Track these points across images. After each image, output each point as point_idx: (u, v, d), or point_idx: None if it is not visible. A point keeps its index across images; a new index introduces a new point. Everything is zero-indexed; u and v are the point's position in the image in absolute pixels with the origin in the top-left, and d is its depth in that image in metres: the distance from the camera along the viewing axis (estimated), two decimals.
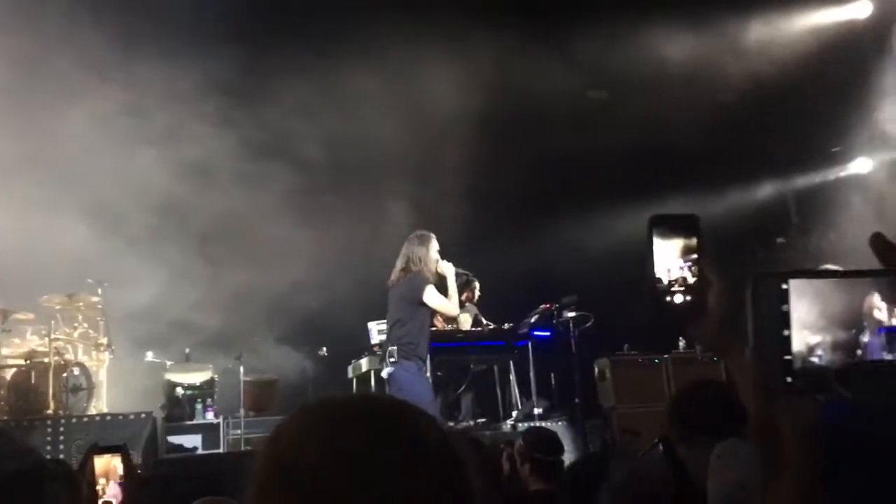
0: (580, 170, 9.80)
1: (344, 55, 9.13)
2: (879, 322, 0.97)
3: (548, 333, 8.56)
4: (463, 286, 7.70)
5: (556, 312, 8.46)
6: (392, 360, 6.15)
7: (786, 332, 0.92)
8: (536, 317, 8.49)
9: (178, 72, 8.64)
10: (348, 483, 0.87)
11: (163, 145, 8.87)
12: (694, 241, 1.03)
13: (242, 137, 9.08)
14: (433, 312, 6.60)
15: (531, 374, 8.34)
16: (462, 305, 7.78)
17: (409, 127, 9.38)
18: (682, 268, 1.02)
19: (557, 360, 8.62)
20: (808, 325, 0.93)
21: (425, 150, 9.39)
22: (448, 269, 6.35)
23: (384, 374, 6.32)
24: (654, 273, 1.03)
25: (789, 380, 0.91)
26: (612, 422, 8.65)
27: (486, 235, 9.48)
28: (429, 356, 7.25)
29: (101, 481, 2.26)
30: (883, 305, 0.97)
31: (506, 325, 8.39)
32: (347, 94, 9.22)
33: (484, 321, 8.53)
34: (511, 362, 8.42)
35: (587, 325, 8.41)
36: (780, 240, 10.55)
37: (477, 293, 8.61)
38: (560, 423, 7.94)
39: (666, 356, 8.93)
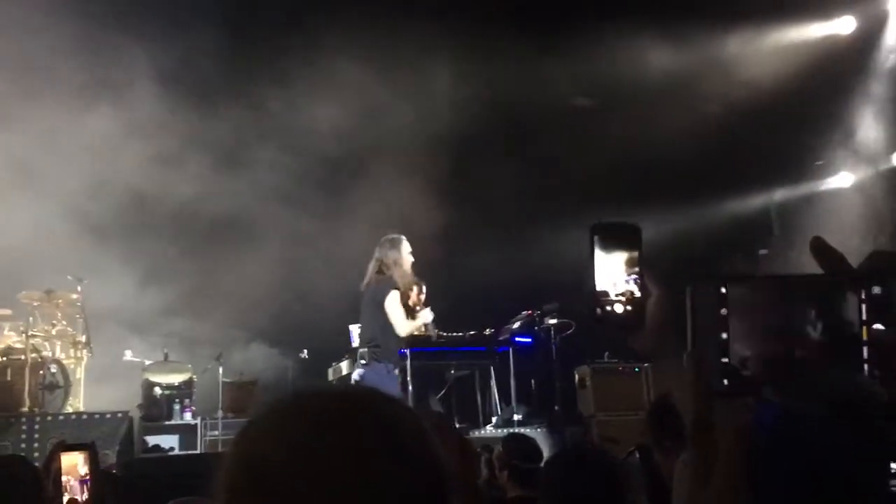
0: (565, 177, 9.82)
1: (330, 53, 9.10)
2: (808, 335, 0.98)
3: (529, 340, 8.57)
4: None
5: (537, 319, 8.47)
6: (363, 362, 6.26)
7: (723, 336, 0.91)
8: (518, 323, 8.50)
9: (155, 63, 8.60)
10: (318, 479, 0.84)
11: (144, 142, 8.81)
12: (636, 253, 1.03)
13: (224, 137, 9.04)
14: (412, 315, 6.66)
15: (511, 380, 8.34)
16: (413, 311, 7.91)
17: (395, 129, 9.38)
18: (627, 281, 1.02)
19: (538, 366, 8.63)
20: (741, 337, 0.92)
21: (410, 153, 9.39)
22: (427, 317, 6.70)
23: (355, 375, 6.41)
24: (594, 285, 1.03)
25: (726, 382, 0.91)
26: (591, 429, 8.66)
27: (469, 240, 9.48)
28: (409, 360, 7.27)
29: (66, 479, 2.24)
30: (813, 318, 0.97)
31: (487, 331, 8.39)
32: (331, 91, 9.18)
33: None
34: (492, 368, 8.41)
35: (568, 332, 8.43)
36: (762, 251, 10.61)
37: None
38: (539, 429, 7.94)
39: (646, 365, 8.95)
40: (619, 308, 1.02)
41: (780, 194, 11.42)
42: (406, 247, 6.41)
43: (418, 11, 9.14)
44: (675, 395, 1.00)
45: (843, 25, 10.54)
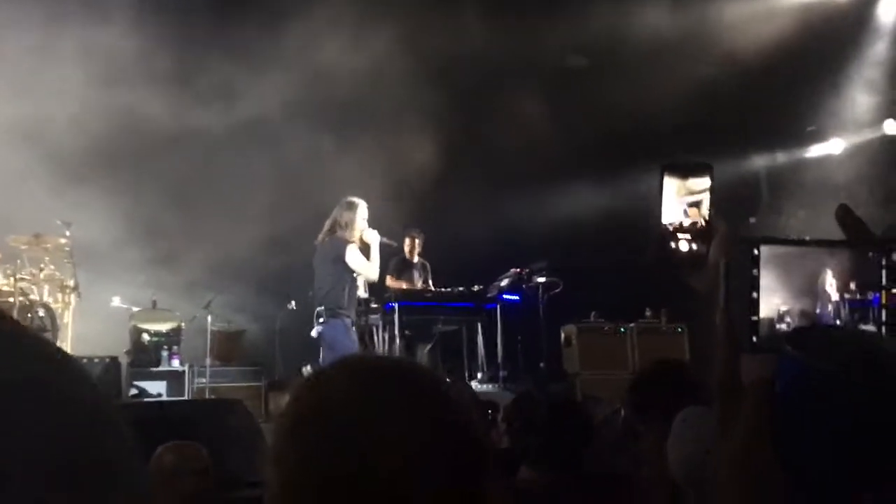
0: (555, 137, 9.79)
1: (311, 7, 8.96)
2: (829, 295, 1.02)
3: (517, 298, 8.63)
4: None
5: (526, 277, 8.52)
6: (321, 319, 6.40)
7: (754, 295, 0.95)
8: (507, 280, 8.55)
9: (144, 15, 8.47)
10: (380, 430, 0.95)
11: (133, 90, 8.70)
12: (705, 186, 1.04)
13: (214, 87, 8.92)
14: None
15: (498, 337, 8.41)
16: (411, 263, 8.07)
17: (382, 85, 9.29)
18: (684, 211, 1.03)
19: (525, 324, 8.71)
20: (777, 293, 0.96)
21: (398, 111, 9.32)
22: (373, 237, 6.62)
23: (314, 333, 6.55)
24: (660, 219, 1.03)
25: (755, 340, 0.95)
26: (575, 387, 8.77)
27: (459, 197, 9.47)
28: (398, 314, 7.35)
29: None
30: (834, 281, 1.01)
31: (475, 288, 8.43)
32: (325, 35, 9.05)
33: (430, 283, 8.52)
34: (479, 324, 8.48)
35: (556, 290, 8.49)
36: (752, 220, 10.66)
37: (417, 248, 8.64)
38: (524, 386, 8.04)
39: (631, 325, 9.04)
40: (683, 246, 1.02)
41: (769, 160, 11.43)
42: (362, 212, 6.60)
43: None
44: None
45: None
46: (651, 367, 2.85)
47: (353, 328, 6.66)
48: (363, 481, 0.93)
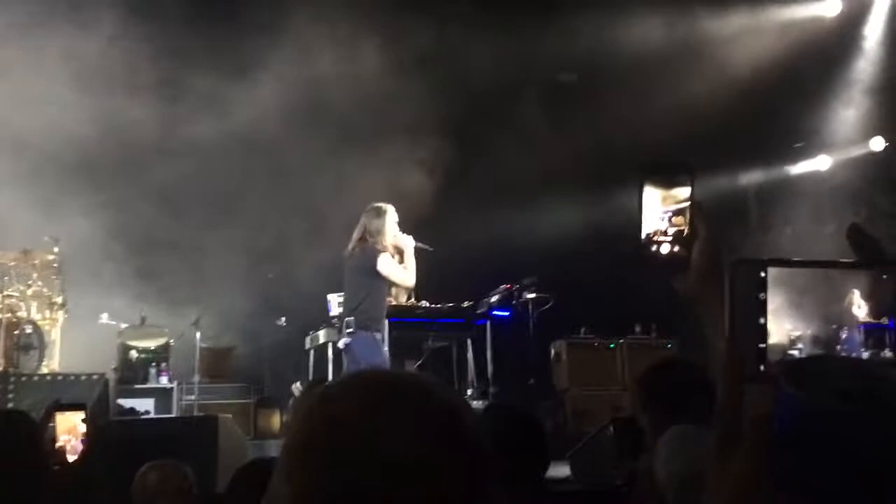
0: (545, 153, 9.83)
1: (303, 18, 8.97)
2: (857, 318, 0.97)
3: (507, 313, 8.63)
4: None
5: (516, 293, 8.52)
6: (349, 330, 6.17)
7: (761, 321, 0.91)
8: (497, 296, 8.55)
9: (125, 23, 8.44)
10: (393, 449, 0.94)
11: (122, 101, 8.68)
12: (686, 190, 1.02)
13: (205, 98, 8.89)
14: (390, 284, 6.62)
15: (488, 353, 8.40)
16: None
17: (373, 100, 9.31)
18: (662, 218, 1.01)
19: (515, 340, 8.70)
20: (789, 317, 0.93)
21: (389, 127, 9.34)
22: (407, 242, 6.37)
23: (340, 344, 6.34)
24: (641, 222, 1.01)
25: (762, 368, 0.91)
26: (565, 403, 8.77)
27: (449, 213, 9.48)
28: (387, 330, 7.29)
29: (66, 438, 2.25)
30: (862, 303, 0.97)
31: (465, 304, 8.43)
32: (305, 56, 9.06)
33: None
34: (469, 340, 8.46)
35: (546, 306, 8.49)
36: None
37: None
38: (514, 402, 8.02)
39: (621, 341, 9.05)
40: (664, 248, 1.00)
41: (758, 176, 11.50)
42: (392, 216, 6.34)
43: None
44: (712, 350, 0.99)
45: (829, 8, 10.57)
46: (665, 361, 2.77)
47: (383, 343, 6.38)
48: (375, 499, 0.93)
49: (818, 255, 1.01)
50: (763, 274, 0.92)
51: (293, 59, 8.95)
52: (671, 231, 1.00)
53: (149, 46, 8.74)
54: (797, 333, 0.95)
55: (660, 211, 1.01)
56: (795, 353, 0.95)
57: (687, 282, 1.01)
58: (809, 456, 0.86)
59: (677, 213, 1.01)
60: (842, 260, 0.94)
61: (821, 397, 0.85)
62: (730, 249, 1.00)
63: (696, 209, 1.01)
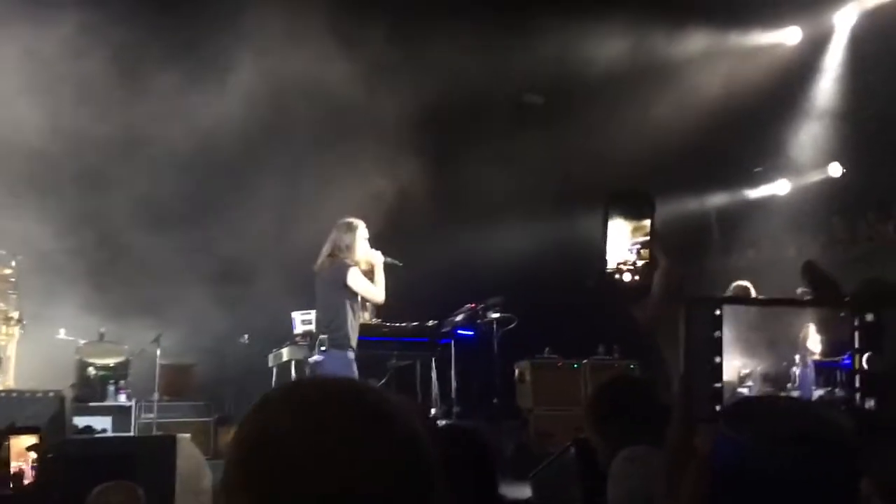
0: (509, 174, 9.88)
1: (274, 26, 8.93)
2: (811, 354, 0.96)
3: (471, 333, 8.63)
4: None
5: (480, 313, 8.53)
6: (322, 348, 6.11)
7: (717, 360, 0.90)
8: (461, 316, 8.54)
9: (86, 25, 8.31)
10: (318, 449, 0.95)
11: (77, 109, 8.54)
12: (647, 222, 1.03)
13: (161, 108, 8.77)
14: (362, 303, 6.58)
15: (452, 373, 8.38)
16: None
17: (337, 115, 9.29)
18: (630, 250, 1.02)
19: (479, 359, 8.69)
20: (739, 354, 0.92)
21: (354, 141, 9.33)
22: (376, 257, 6.34)
23: (311, 360, 6.28)
24: (605, 251, 1.02)
25: (718, 408, 0.89)
26: (529, 423, 8.77)
27: (413, 232, 9.48)
28: None
29: (17, 465, 2.19)
30: (817, 338, 0.96)
31: (430, 322, 8.41)
32: (274, 68, 9.01)
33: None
34: (433, 360, 8.44)
35: (510, 326, 8.51)
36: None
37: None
38: (478, 422, 8.01)
39: (585, 361, 9.09)
40: (626, 277, 1.01)
41: (720, 199, 11.67)
42: (362, 232, 6.31)
43: None
44: (671, 376, 0.98)
45: (789, 35, 10.80)
46: (615, 380, 2.75)
47: (355, 362, 6.28)
48: None
49: (779, 278, 1.03)
50: (718, 312, 0.91)
51: (259, 71, 8.90)
52: (635, 262, 1.01)
53: (108, 51, 8.57)
54: (747, 371, 0.93)
55: (627, 242, 1.03)
56: (745, 390, 0.94)
57: (646, 310, 1.02)
58: (748, 498, 0.85)
59: (645, 244, 1.02)
60: (798, 298, 0.94)
61: (758, 440, 0.85)
62: (688, 279, 1.01)
63: (655, 239, 1.02)
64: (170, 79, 8.66)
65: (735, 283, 6.66)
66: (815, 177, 10.78)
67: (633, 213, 1.04)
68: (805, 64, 10.61)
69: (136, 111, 8.55)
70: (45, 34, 8.08)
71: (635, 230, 1.03)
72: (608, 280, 1.02)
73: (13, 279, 7.79)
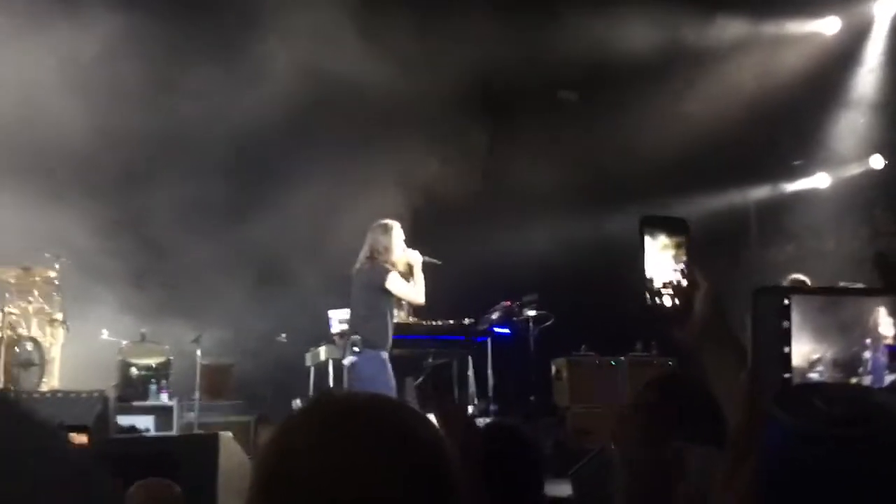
0: (546, 170, 9.84)
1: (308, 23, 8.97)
2: (883, 338, 0.94)
3: (507, 331, 8.61)
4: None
5: (516, 310, 8.51)
6: (356, 349, 6.12)
7: (785, 350, 0.88)
8: (497, 313, 8.53)
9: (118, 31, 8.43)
10: (335, 469, 0.96)
11: (120, 113, 8.67)
12: (681, 242, 1.03)
13: (203, 109, 8.87)
14: (397, 301, 6.60)
15: (489, 371, 8.38)
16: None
17: (372, 116, 9.33)
18: (675, 270, 1.02)
19: (516, 357, 8.68)
20: (809, 339, 0.90)
21: (390, 142, 9.36)
22: (415, 257, 6.35)
23: (346, 362, 6.29)
24: (645, 273, 1.02)
25: (786, 399, 0.87)
26: (566, 421, 8.74)
27: (449, 229, 9.49)
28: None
29: None
30: (889, 321, 0.94)
31: (466, 321, 8.42)
32: (311, 60, 9.03)
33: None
34: (469, 358, 8.45)
35: (547, 323, 8.48)
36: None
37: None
38: (515, 419, 7.99)
39: (622, 358, 9.03)
40: (667, 301, 1.01)
41: (758, 193, 11.50)
42: (398, 233, 6.33)
43: None
44: (718, 394, 1.00)
45: (829, 25, 10.61)
46: (665, 380, 2.66)
47: (389, 362, 6.31)
48: None
49: (820, 272, 1.02)
50: (786, 302, 0.89)
51: (297, 69, 8.93)
52: (677, 283, 1.02)
53: (147, 52, 8.69)
54: (817, 356, 0.91)
55: (668, 263, 1.03)
56: (815, 376, 0.92)
57: (689, 332, 1.02)
58: (798, 481, 0.84)
59: (685, 266, 1.03)
60: (864, 287, 0.93)
61: (811, 424, 0.83)
62: (726, 277, 1.01)
63: (694, 261, 1.03)
64: (209, 79, 8.76)
65: (791, 276, 6.52)
66: (856, 169, 10.58)
67: (667, 235, 1.04)
68: (844, 54, 10.41)
69: (176, 112, 8.65)
70: (84, 36, 8.22)
71: (673, 249, 1.03)
72: (649, 306, 1.02)
73: (57, 282, 7.95)
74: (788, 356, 0.89)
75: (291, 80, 8.93)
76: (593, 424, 8.37)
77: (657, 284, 1.02)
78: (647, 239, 1.03)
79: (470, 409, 8.40)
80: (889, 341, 0.91)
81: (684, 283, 1.02)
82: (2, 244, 7.81)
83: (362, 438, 0.98)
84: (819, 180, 11.07)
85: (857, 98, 10.40)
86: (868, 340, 0.91)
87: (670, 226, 1.05)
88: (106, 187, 8.82)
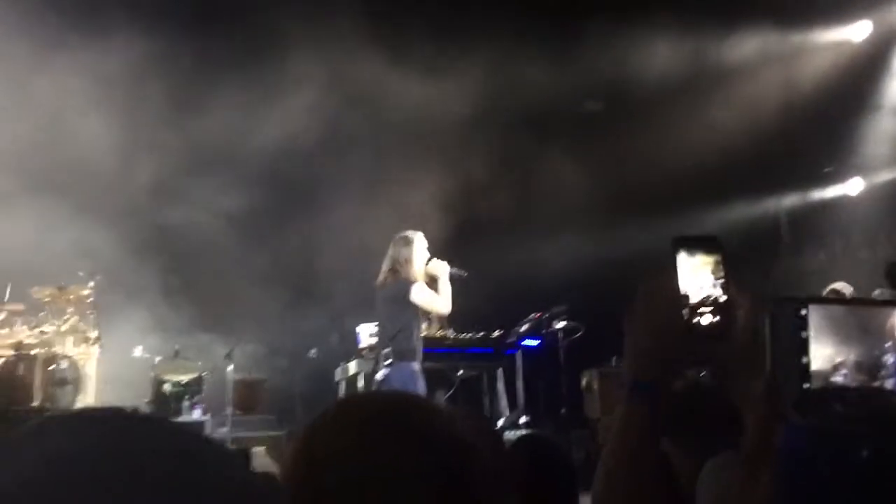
0: (574, 181, 9.83)
1: (318, 43, 9.05)
2: None
3: (537, 343, 8.57)
4: None
5: (546, 322, 8.48)
6: (387, 362, 6.12)
7: (804, 360, 0.89)
8: (526, 325, 8.50)
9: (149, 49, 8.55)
10: (362, 474, 0.96)
11: (148, 130, 8.79)
12: (718, 258, 1.01)
13: (231, 124, 8.96)
14: (424, 314, 6.59)
15: (519, 383, 8.34)
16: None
17: (400, 129, 9.38)
18: (714, 286, 1.00)
19: (546, 369, 8.64)
20: (832, 343, 0.90)
21: (418, 155, 9.40)
22: (441, 268, 6.33)
23: (379, 376, 6.27)
24: (679, 293, 1.00)
25: (806, 410, 0.88)
26: (597, 433, 8.67)
27: (478, 240, 9.50)
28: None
29: None
30: None
31: (495, 333, 8.40)
32: (334, 79, 9.11)
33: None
34: (499, 370, 8.42)
35: (577, 335, 8.43)
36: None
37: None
38: (547, 433, 7.95)
39: None
40: (706, 320, 0.99)
41: (789, 200, 11.39)
42: (420, 244, 6.30)
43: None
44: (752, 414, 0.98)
45: (859, 31, 10.51)
46: (689, 386, 2.67)
47: (421, 373, 6.26)
48: None
49: (852, 280, 1.01)
50: (804, 312, 0.90)
51: (325, 85, 9.03)
52: (716, 299, 0.99)
53: (179, 68, 8.81)
54: (840, 359, 0.91)
55: (706, 281, 1.00)
56: (839, 379, 0.92)
57: (728, 351, 1.00)
58: (816, 479, 0.84)
59: (725, 282, 1.00)
60: (881, 298, 0.92)
61: (827, 424, 0.83)
62: (758, 285, 0.99)
63: (732, 280, 1.00)
64: (239, 95, 8.88)
65: (831, 286, 6.41)
66: (888, 175, 10.45)
67: (702, 252, 1.02)
68: (876, 59, 10.30)
69: (207, 128, 8.76)
70: (114, 53, 8.37)
71: (711, 265, 1.01)
72: (686, 326, 0.99)
73: (91, 300, 8.06)
74: (807, 367, 0.89)
75: (325, 96, 9.01)
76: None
77: (698, 297, 1.00)
78: (681, 257, 1.01)
79: (500, 422, 8.38)
80: None
81: (723, 298, 0.99)
82: (37, 264, 7.95)
83: (387, 444, 0.97)
84: (851, 187, 10.94)
85: (889, 103, 10.28)
86: (889, 344, 0.91)
87: (705, 244, 1.03)
88: (139, 204, 8.94)
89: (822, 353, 0.89)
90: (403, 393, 1.16)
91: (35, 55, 8.23)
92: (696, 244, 1.03)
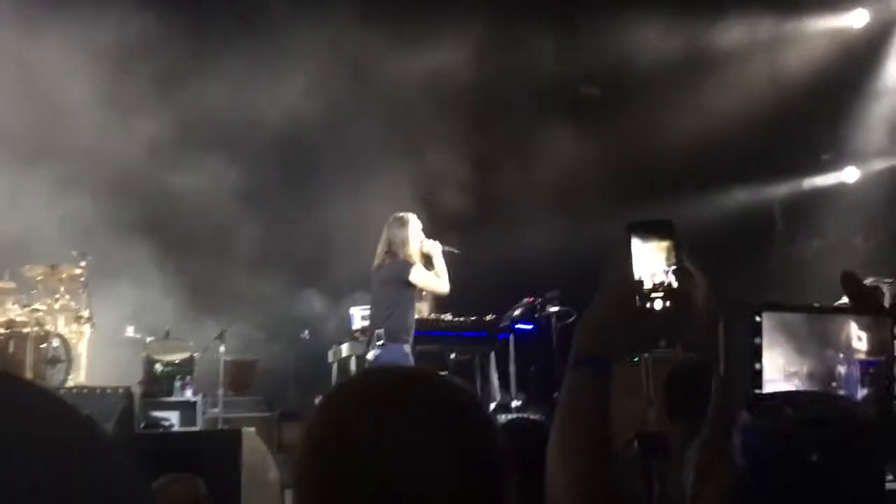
0: (566, 166, 9.80)
1: (308, 25, 8.99)
2: (856, 353, 0.94)
3: (530, 327, 8.58)
4: None
5: (538, 306, 8.48)
6: (380, 342, 6.12)
7: (757, 366, 0.88)
8: (519, 310, 8.50)
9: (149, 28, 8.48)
10: (395, 449, 0.96)
11: (141, 110, 8.73)
12: (670, 244, 1.02)
13: (223, 106, 8.90)
14: (419, 295, 6.60)
15: (511, 367, 8.35)
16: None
17: (396, 111, 9.33)
18: (666, 272, 1.01)
19: (538, 353, 8.65)
20: (786, 352, 0.90)
21: (412, 140, 9.36)
22: (434, 248, 6.33)
23: (370, 356, 6.29)
24: (632, 278, 1.03)
25: (756, 413, 0.90)
26: None
27: (471, 226, 9.48)
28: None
29: None
30: (862, 335, 0.94)
31: (488, 317, 8.40)
32: (333, 66, 9.07)
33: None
34: (492, 354, 8.43)
35: (570, 320, 8.44)
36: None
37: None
38: (537, 416, 7.96)
39: (646, 355, 8.95)
40: (658, 304, 1.01)
41: (784, 188, 11.38)
42: (415, 225, 6.33)
43: None
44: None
45: (856, 18, 10.47)
46: (690, 365, 2.72)
47: (412, 355, 6.32)
48: (383, 501, 0.94)
49: (846, 268, 1.00)
50: (758, 319, 0.89)
51: (333, 69, 8.98)
52: (669, 284, 1.02)
53: (179, 45, 8.75)
54: (793, 369, 0.91)
55: (659, 267, 1.02)
56: (790, 388, 0.93)
57: (690, 332, 1.03)
58: (770, 480, 0.86)
59: (678, 266, 1.02)
60: (836, 305, 0.94)
61: (780, 425, 0.86)
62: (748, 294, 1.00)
63: (689, 259, 1.02)
64: (232, 74, 8.82)
65: (869, 280, 6.33)
66: (885, 164, 10.44)
67: (655, 238, 1.03)
68: (873, 47, 10.27)
69: (202, 108, 8.71)
70: (109, 27, 8.31)
71: (664, 252, 1.03)
72: (638, 310, 1.02)
73: (83, 279, 8.02)
74: (760, 372, 0.89)
75: (326, 78, 8.96)
76: (617, 421, 8.31)
77: (647, 287, 1.02)
78: (635, 243, 1.02)
79: (492, 405, 8.39)
80: (862, 356, 0.91)
81: (676, 284, 0.99)
82: (29, 243, 7.91)
83: (410, 414, 0.98)
84: (847, 175, 10.93)
85: (887, 92, 10.26)
86: (842, 355, 0.91)
87: (658, 229, 1.03)
88: (131, 184, 8.89)
89: (776, 363, 0.89)
90: (432, 370, 1.20)
91: (28, 30, 8.16)
92: (650, 229, 1.04)
